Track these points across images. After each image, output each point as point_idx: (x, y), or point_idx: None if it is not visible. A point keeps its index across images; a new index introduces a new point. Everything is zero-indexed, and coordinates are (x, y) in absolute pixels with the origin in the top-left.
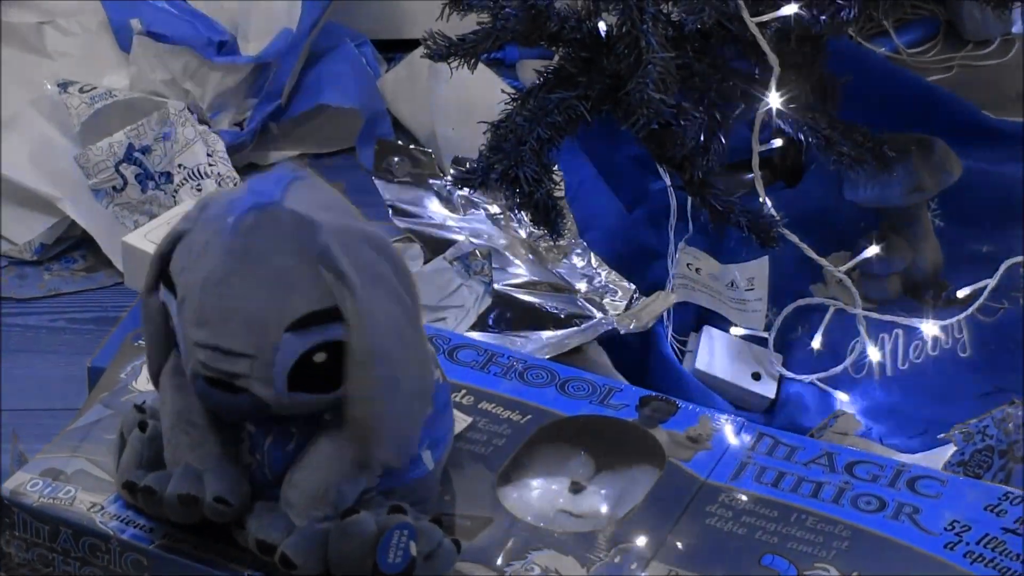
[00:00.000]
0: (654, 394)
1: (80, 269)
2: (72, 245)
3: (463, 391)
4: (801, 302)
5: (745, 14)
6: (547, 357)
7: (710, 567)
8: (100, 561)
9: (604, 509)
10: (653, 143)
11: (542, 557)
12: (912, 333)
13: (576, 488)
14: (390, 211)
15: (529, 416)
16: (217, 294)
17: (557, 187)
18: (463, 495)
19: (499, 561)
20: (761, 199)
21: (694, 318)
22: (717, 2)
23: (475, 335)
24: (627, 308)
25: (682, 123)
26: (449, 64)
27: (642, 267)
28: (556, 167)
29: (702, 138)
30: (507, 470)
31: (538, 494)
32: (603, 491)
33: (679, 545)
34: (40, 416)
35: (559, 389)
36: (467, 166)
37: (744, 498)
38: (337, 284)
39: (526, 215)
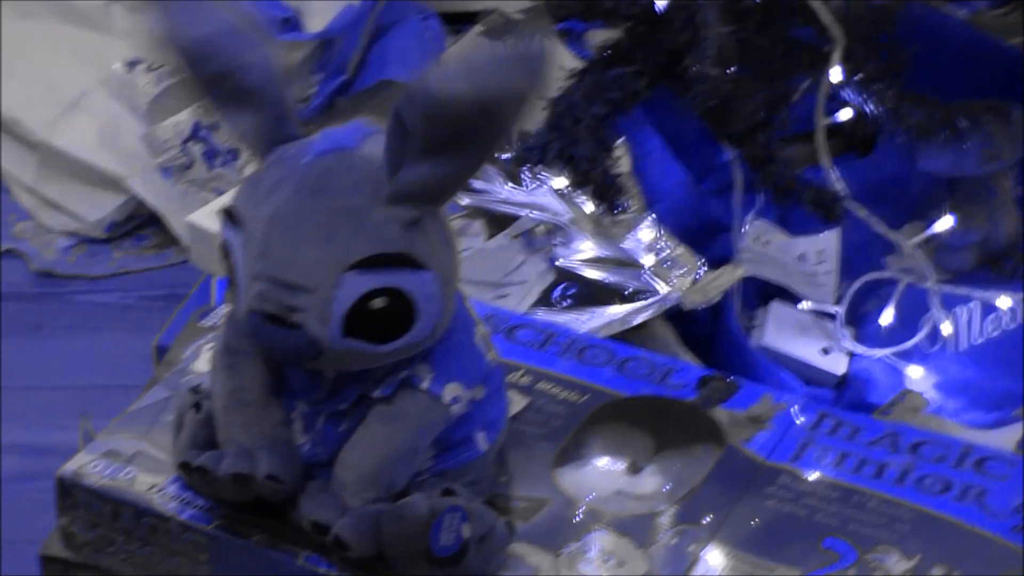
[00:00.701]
0: (714, 373)
1: (150, 247)
2: (142, 223)
3: (521, 371)
4: (872, 275)
5: None
6: (612, 334)
7: (769, 549)
8: (160, 541)
9: (662, 490)
10: (712, 118)
11: (599, 538)
12: (988, 306)
13: (634, 469)
14: None
15: (587, 396)
16: (284, 227)
17: (617, 163)
18: (519, 476)
19: (555, 543)
20: (827, 172)
21: (762, 292)
22: None
23: (539, 312)
24: (694, 283)
25: (739, 101)
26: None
27: (709, 240)
28: (620, 141)
29: (762, 113)
30: (564, 451)
31: (595, 475)
32: (661, 472)
33: (738, 527)
34: (110, 393)
35: (617, 369)
36: (528, 141)
37: (805, 479)
38: (411, 228)
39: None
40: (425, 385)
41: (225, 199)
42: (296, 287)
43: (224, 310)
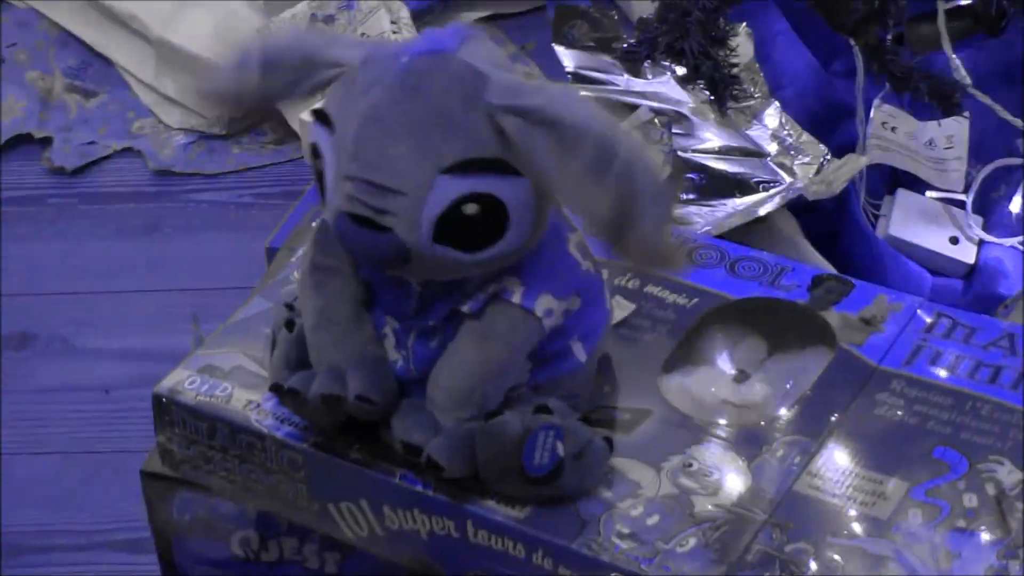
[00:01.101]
0: (827, 273)
1: (269, 142)
2: (259, 120)
3: (626, 276)
4: (1002, 161)
5: None
6: (733, 227)
7: (878, 460)
8: (257, 459)
9: (769, 399)
10: (824, 8)
11: (701, 452)
12: None
13: (741, 376)
14: (570, 79)
15: (696, 300)
16: (378, 128)
17: (732, 54)
18: (623, 386)
19: (657, 456)
20: (949, 58)
21: (888, 180)
22: None
23: None
24: (818, 172)
25: None
26: None
27: (835, 126)
28: (743, 26)
29: (876, 2)
30: (671, 358)
31: (701, 383)
32: (769, 380)
33: (847, 436)
34: (224, 295)
35: (728, 269)
36: (636, 36)
37: (917, 384)
38: (515, 127)
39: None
40: (516, 299)
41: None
42: (387, 189)
43: (316, 222)
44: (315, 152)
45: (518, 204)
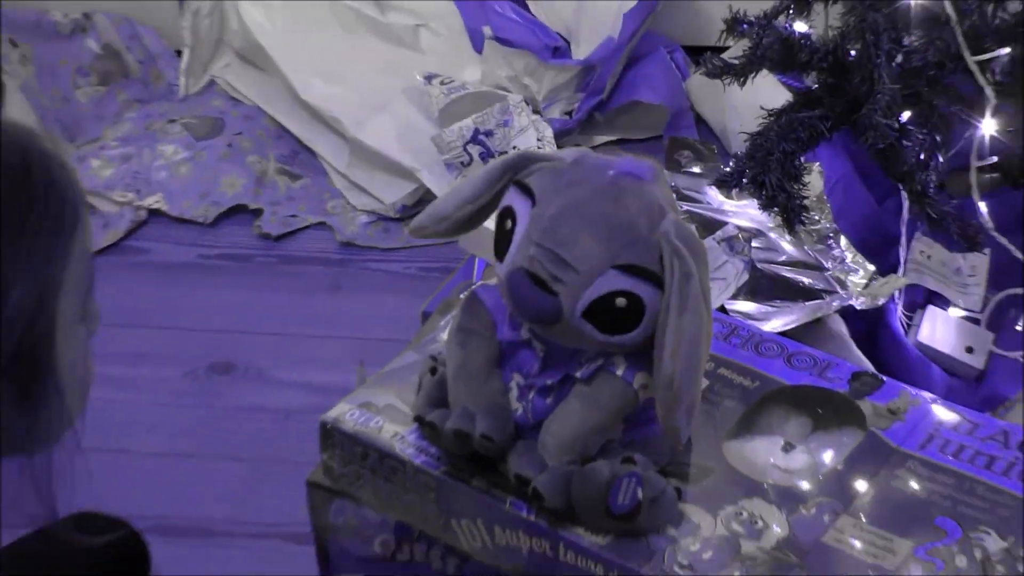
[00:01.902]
0: (864, 370)
1: None
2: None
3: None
4: (1013, 291)
5: (966, 53)
6: (795, 326)
7: (890, 523)
8: (398, 479)
9: (809, 467)
10: (881, 158)
11: (750, 504)
12: None
13: (788, 447)
14: (675, 195)
15: (758, 383)
16: (576, 216)
17: (804, 188)
18: (695, 447)
19: (715, 506)
20: (976, 205)
21: (922, 297)
22: (941, 43)
23: (735, 306)
24: (866, 286)
25: (906, 143)
26: (724, 81)
27: (882, 251)
28: (816, 166)
29: (923, 156)
30: (733, 428)
31: (756, 450)
32: (810, 451)
33: (867, 502)
34: (384, 346)
35: (786, 361)
36: (728, 168)
37: (928, 465)
38: (672, 258)
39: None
40: (620, 372)
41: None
42: (567, 264)
43: (465, 294)
44: (509, 215)
45: (650, 309)
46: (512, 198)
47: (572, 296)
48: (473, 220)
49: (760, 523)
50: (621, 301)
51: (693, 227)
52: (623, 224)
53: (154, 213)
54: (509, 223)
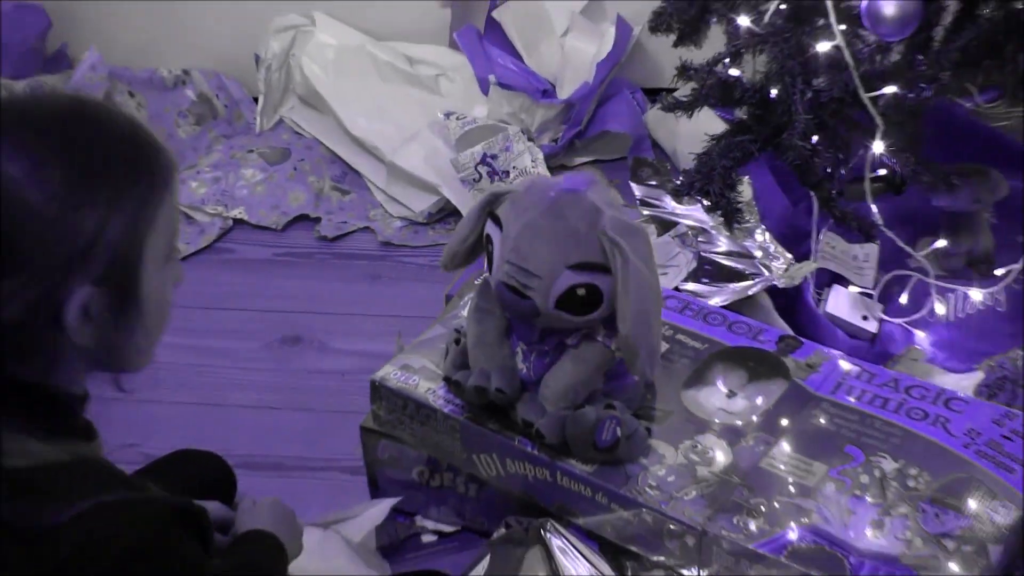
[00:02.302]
0: (788, 334)
1: (451, 229)
2: (448, 214)
3: (666, 327)
4: (897, 272)
5: (861, 91)
6: (729, 303)
7: (810, 451)
8: (431, 424)
9: (747, 409)
10: (798, 171)
11: (703, 439)
12: (967, 294)
13: (731, 394)
14: (639, 203)
15: (706, 345)
16: (531, 234)
17: (740, 195)
18: (659, 395)
19: (676, 440)
20: (869, 207)
21: (828, 278)
22: (841, 83)
23: (687, 286)
24: (786, 270)
25: (817, 160)
26: (675, 115)
27: (798, 243)
28: (746, 178)
29: (829, 170)
30: (688, 380)
31: (706, 397)
32: (748, 397)
33: (792, 435)
34: (416, 322)
35: (728, 328)
36: (681, 179)
37: (837, 406)
38: (612, 248)
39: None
40: (600, 338)
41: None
42: (532, 273)
43: (480, 279)
44: (488, 240)
45: (608, 291)
46: (489, 227)
47: (542, 296)
48: (474, 251)
49: (710, 453)
50: (581, 291)
51: (629, 217)
52: (567, 232)
53: (238, 222)
54: (490, 247)
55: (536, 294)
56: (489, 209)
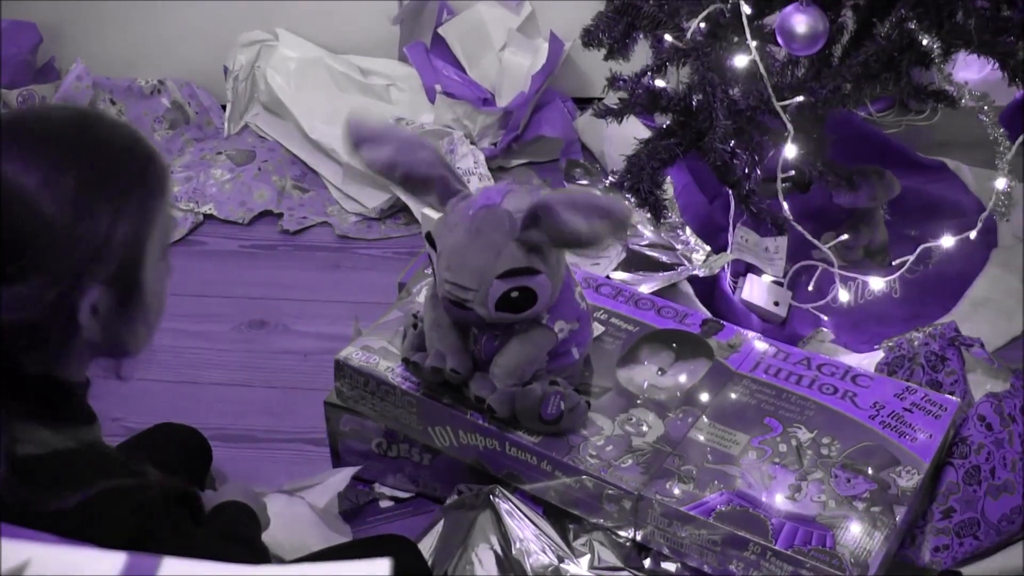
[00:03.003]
0: (710, 318)
1: (402, 223)
2: (398, 210)
3: (601, 311)
4: (804, 262)
5: (773, 100)
6: (656, 290)
7: (733, 422)
8: (390, 399)
9: (675, 386)
10: (719, 171)
11: (637, 412)
12: (866, 282)
13: (660, 372)
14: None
15: (638, 328)
16: (459, 254)
17: (664, 192)
18: (596, 372)
19: (612, 413)
20: (780, 203)
21: (743, 268)
22: (756, 93)
23: (616, 275)
24: (704, 261)
25: (735, 161)
26: (607, 121)
27: (715, 237)
28: (667, 179)
29: (746, 170)
30: (622, 359)
31: (638, 374)
32: (675, 375)
33: (717, 408)
34: (372, 308)
35: (656, 313)
36: (614, 178)
37: (756, 382)
38: (530, 252)
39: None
40: (544, 320)
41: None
42: (467, 288)
43: (427, 271)
44: (430, 259)
45: (540, 288)
46: (428, 249)
47: (481, 305)
48: None
49: (644, 425)
50: (514, 294)
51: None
52: (487, 246)
53: (208, 217)
54: (432, 264)
55: (475, 304)
56: (427, 232)
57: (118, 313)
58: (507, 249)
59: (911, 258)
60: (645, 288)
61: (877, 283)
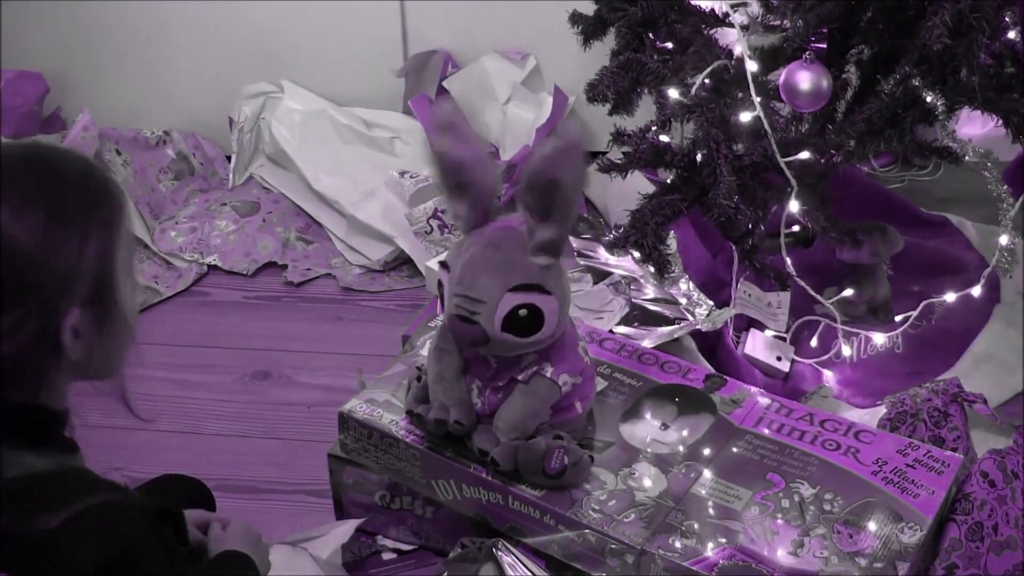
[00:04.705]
0: (714, 373)
1: (405, 276)
2: (402, 262)
3: (604, 365)
4: (807, 317)
5: (777, 156)
6: (659, 344)
7: (736, 477)
8: (394, 452)
9: (678, 441)
10: (722, 227)
11: (639, 467)
12: (869, 337)
13: (664, 427)
14: (576, 254)
15: (641, 383)
16: (472, 265)
17: (667, 247)
18: (599, 427)
19: (615, 467)
20: (784, 258)
21: (745, 322)
22: (760, 149)
23: (620, 329)
24: (707, 316)
25: (739, 217)
26: (611, 175)
27: (718, 291)
28: (671, 234)
29: (750, 226)
30: (625, 413)
31: (641, 428)
32: (678, 430)
33: (720, 463)
34: (375, 360)
35: (659, 367)
36: (618, 234)
37: (759, 437)
38: (544, 271)
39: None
40: (548, 374)
41: (444, 255)
42: (476, 300)
43: (438, 322)
44: (440, 285)
45: (549, 311)
46: (440, 274)
47: (488, 319)
48: None
49: (647, 480)
50: (523, 311)
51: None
52: (504, 259)
53: (212, 268)
54: (441, 289)
55: (483, 319)
56: (440, 262)
57: (97, 332)
58: (523, 264)
59: (914, 313)
60: (648, 343)
61: (880, 338)
